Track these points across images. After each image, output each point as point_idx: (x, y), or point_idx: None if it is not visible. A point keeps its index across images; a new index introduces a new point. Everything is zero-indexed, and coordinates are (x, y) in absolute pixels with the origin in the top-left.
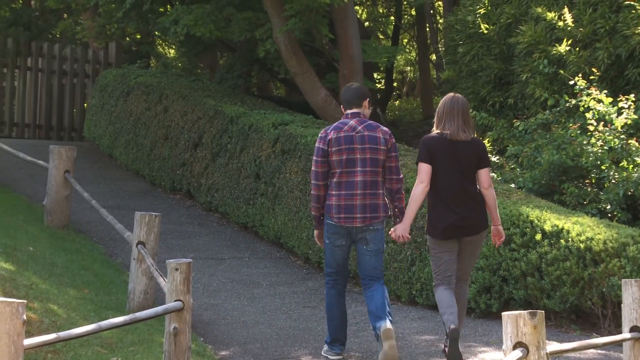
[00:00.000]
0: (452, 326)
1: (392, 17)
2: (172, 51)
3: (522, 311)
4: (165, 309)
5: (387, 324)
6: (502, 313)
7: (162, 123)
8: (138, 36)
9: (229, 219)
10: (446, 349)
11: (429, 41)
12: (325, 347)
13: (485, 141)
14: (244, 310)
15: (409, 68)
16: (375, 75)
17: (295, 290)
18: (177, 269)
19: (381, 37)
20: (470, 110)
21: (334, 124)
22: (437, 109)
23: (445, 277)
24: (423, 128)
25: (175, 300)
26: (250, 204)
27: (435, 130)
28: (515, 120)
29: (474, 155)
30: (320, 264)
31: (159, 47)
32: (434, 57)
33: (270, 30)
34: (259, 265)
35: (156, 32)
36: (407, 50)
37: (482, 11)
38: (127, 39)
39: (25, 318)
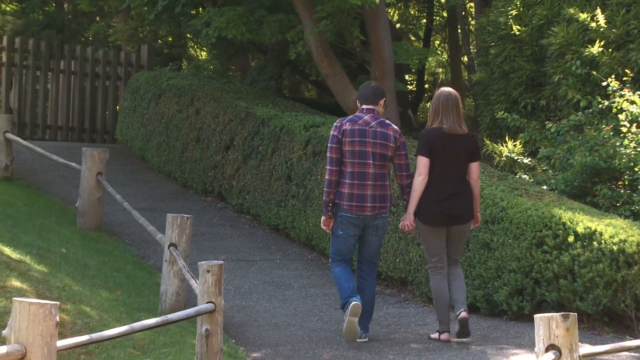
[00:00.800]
0: (446, 332)
1: (424, 19)
2: (203, 53)
3: (555, 313)
4: (197, 311)
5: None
6: (535, 315)
7: (194, 125)
8: (170, 39)
9: (260, 221)
10: (440, 336)
11: (460, 43)
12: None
13: (517, 143)
14: (276, 312)
15: (440, 70)
16: (406, 77)
17: (327, 292)
18: (208, 271)
19: (413, 38)
20: (502, 112)
21: (350, 116)
22: (432, 104)
23: (438, 264)
24: None
25: (207, 302)
26: (282, 206)
27: (432, 124)
28: (547, 122)
29: (469, 148)
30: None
31: (190, 49)
32: (465, 58)
33: (301, 32)
34: (291, 267)
35: (188, 35)
36: (439, 52)
37: (514, 12)
38: (159, 41)
39: (58, 320)
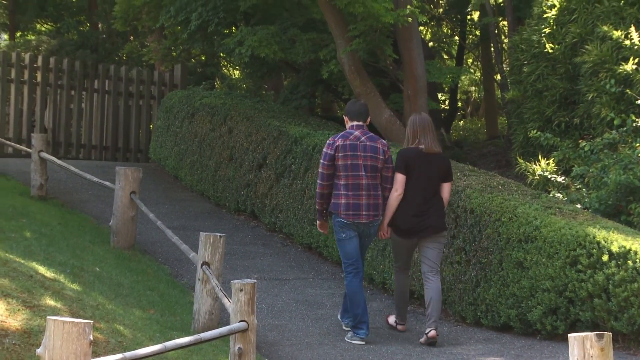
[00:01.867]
0: (402, 326)
1: (457, 37)
2: (236, 72)
3: (589, 333)
4: (229, 330)
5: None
6: (569, 335)
7: (227, 144)
8: (203, 58)
9: (293, 240)
10: (398, 326)
11: (493, 61)
12: (350, 334)
13: (551, 161)
14: (308, 331)
15: (473, 88)
16: (439, 95)
17: None
18: (241, 290)
19: (445, 57)
20: (535, 131)
21: (341, 133)
22: (409, 127)
23: (404, 267)
24: (488, 148)
25: (240, 321)
26: (314, 225)
27: (410, 145)
28: (581, 141)
29: (443, 167)
30: (385, 284)
31: (223, 68)
32: (498, 76)
33: (334, 51)
34: (323, 286)
35: (221, 54)
36: (472, 70)
37: (547, 30)
38: (193, 60)
39: (92, 338)
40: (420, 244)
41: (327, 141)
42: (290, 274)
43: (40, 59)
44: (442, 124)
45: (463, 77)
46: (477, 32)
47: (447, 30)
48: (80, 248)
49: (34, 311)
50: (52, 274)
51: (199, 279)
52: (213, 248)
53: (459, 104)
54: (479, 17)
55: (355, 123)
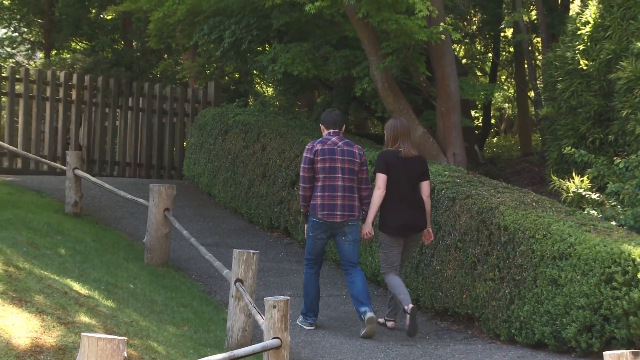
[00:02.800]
0: (410, 305)
1: (490, 54)
2: (270, 90)
3: (624, 350)
4: (263, 347)
5: (370, 313)
6: (604, 352)
7: (260, 161)
8: (236, 75)
9: (326, 257)
10: (387, 323)
11: (527, 78)
12: (301, 318)
13: (585, 178)
14: (342, 348)
15: (507, 105)
16: (472, 112)
17: (394, 328)
18: (274, 307)
19: (479, 74)
20: (570, 148)
21: (319, 139)
22: (388, 131)
23: (393, 267)
24: (521, 165)
25: (273, 338)
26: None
27: (389, 147)
28: (615, 157)
29: (420, 169)
30: (418, 301)
31: (257, 85)
32: (532, 93)
33: (367, 68)
34: None
35: (254, 71)
36: (505, 87)
37: (581, 47)
38: (226, 78)
39: (126, 355)
40: (405, 241)
41: (307, 146)
42: (323, 291)
43: (75, 77)
44: (475, 140)
45: (496, 94)
46: (511, 49)
47: (481, 47)
48: (115, 265)
49: (69, 328)
50: (87, 291)
51: (232, 296)
52: (246, 265)
53: (493, 120)
54: (513, 34)
55: (331, 130)
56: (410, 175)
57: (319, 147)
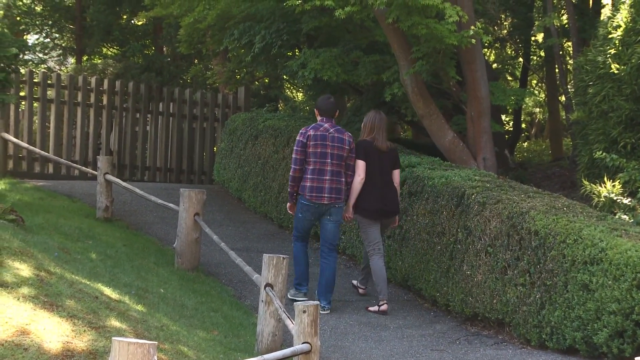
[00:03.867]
0: (385, 305)
1: (521, 59)
2: (300, 94)
3: None
4: (293, 351)
5: (323, 312)
6: (636, 358)
7: (290, 166)
8: (266, 80)
9: (355, 261)
10: (359, 289)
11: (558, 82)
12: (293, 291)
13: (616, 183)
14: (371, 353)
15: (537, 109)
16: (503, 117)
17: (423, 333)
18: (304, 311)
19: (509, 78)
20: (601, 152)
21: (312, 125)
22: (367, 121)
23: (377, 246)
24: (552, 169)
25: (303, 343)
26: None
27: (365, 137)
28: None
29: (392, 159)
30: (448, 306)
31: (287, 90)
32: (563, 98)
33: (397, 73)
34: None
35: (284, 76)
36: (536, 92)
37: (612, 51)
38: (256, 83)
39: (156, 359)
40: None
41: (300, 131)
42: (354, 296)
43: (106, 82)
44: (506, 145)
45: (527, 99)
46: (542, 53)
47: (511, 52)
48: (145, 269)
49: (100, 332)
50: (117, 295)
51: (262, 301)
52: (276, 269)
53: (523, 125)
54: (543, 38)
55: (325, 117)
56: (384, 164)
57: (311, 132)
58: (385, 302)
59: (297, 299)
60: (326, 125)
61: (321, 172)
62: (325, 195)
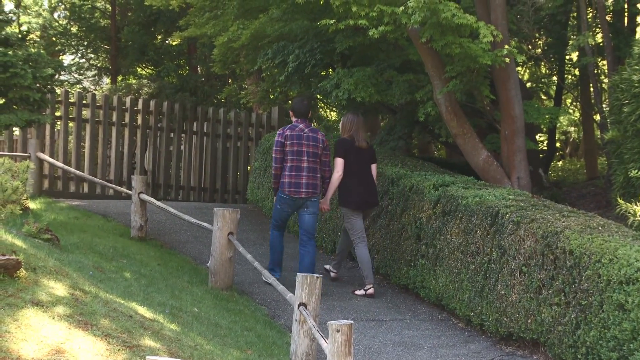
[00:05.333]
0: (371, 289)
1: (555, 78)
2: (333, 114)
3: None
4: None
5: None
6: None
7: None
8: None
9: (389, 281)
10: (331, 273)
11: (592, 101)
12: (266, 273)
13: None
14: None
15: (572, 128)
16: (537, 135)
17: (457, 352)
18: (338, 331)
19: (543, 97)
20: (636, 171)
21: (289, 125)
22: (347, 123)
23: (361, 235)
24: (587, 189)
25: None
26: (411, 266)
27: (345, 135)
28: None
29: (370, 156)
30: (483, 326)
31: (320, 109)
32: (598, 117)
33: (430, 92)
34: (421, 327)
35: (318, 95)
36: (571, 111)
37: None
38: (290, 102)
39: None
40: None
41: (278, 131)
42: (387, 315)
43: (140, 102)
44: (540, 164)
45: (562, 118)
46: (576, 72)
47: (546, 71)
48: (179, 288)
49: (134, 351)
50: (152, 314)
51: (296, 320)
52: (310, 289)
53: (558, 144)
54: (578, 57)
55: (299, 118)
56: (364, 160)
57: (288, 132)
58: (371, 286)
59: (269, 281)
60: (301, 125)
61: (298, 168)
62: (303, 190)
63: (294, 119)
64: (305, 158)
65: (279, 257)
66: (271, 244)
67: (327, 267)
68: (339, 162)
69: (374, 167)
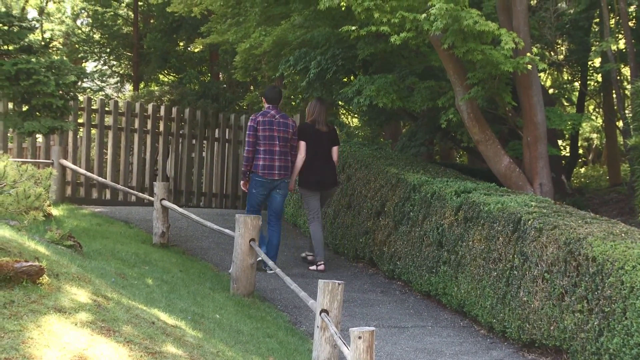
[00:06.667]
0: (322, 266)
1: (578, 84)
2: (354, 120)
3: None
4: None
5: (270, 271)
6: None
7: (345, 192)
8: None
9: (411, 287)
10: (307, 257)
11: (615, 107)
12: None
13: None
14: None
15: (595, 135)
16: (560, 142)
17: (479, 359)
18: (360, 337)
19: (566, 103)
20: None
21: (261, 112)
22: (311, 107)
23: (316, 215)
24: (610, 195)
25: None
26: (433, 272)
27: (308, 120)
28: None
29: (331, 139)
30: (505, 333)
31: (342, 116)
32: (620, 123)
33: (452, 99)
34: (442, 334)
35: (339, 102)
36: (593, 117)
37: None
38: None
39: None
40: (320, 194)
41: (251, 117)
42: (409, 322)
43: (162, 108)
44: (562, 171)
45: (584, 124)
46: (599, 78)
47: (568, 77)
48: (201, 295)
49: (156, 357)
50: (174, 321)
51: (317, 326)
52: (332, 295)
53: (580, 150)
54: (601, 63)
55: (271, 105)
56: (324, 143)
57: (260, 118)
58: (322, 263)
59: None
60: (272, 112)
61: (271, 152)
62: (276, 172)
63: (265, 105)
64: (277, 142)
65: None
66: None
67: (304, 254)
68: (302, 145)
69: (335, 149)
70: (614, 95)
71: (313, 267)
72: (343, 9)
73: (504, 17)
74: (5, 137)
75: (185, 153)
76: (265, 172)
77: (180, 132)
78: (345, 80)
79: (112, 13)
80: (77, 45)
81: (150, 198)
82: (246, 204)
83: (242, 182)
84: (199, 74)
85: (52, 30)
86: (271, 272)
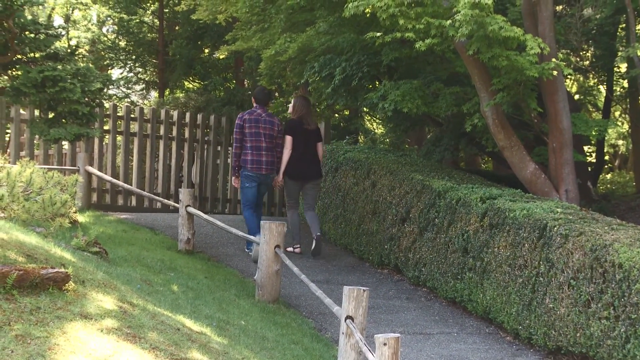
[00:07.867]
0: (298, 249)
1: (603, 89)
2: (379, 127)
3: None
4: None
5: (251, 252)
6: None
7: (370, 198)
8: (346, 113)
9: (436, 294)
10: (295, 249)
11: None
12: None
13: None
14: None
15: (621, 141)
16: (585, 148)
17: None
18: (385, 344)
19: (592, 109)
20: None
21: (249, 110)
22: (296, 104)
23: (295, 203)
24: (636, 201)
25: None
26: (458, 279)
27: (294, 117)
28: None
29: (315, 135)
30: (531, 340)
31: (367, 122)
32: None
33: (477, 105)
34: (468, 341)
35: (364, 108)
36: (619, 123)
37: None
38: (336, 115)
39: None
40: (304, 186)
41: (238, 115)
42: (435, 328)
43: (188, 115)
44: (588, 177)
45: (610, 130)
46: (625, 84)
47: (594, 82)
48: (226, 301)
49: None
50: (199, 327)
51: (342, 333)
52: (357, 302)
53: (606, 157)
54: (627, 69)
55: (259, 105)
56: (309, 139)
57: (247, 116)
58: (299, 246)
59: (251, 253)
60: (259, 110)
61: (258, 148)
62: (263, 167)
63: (254, 105)
64: (263, 139)
65: (255, 225)
66: (247, 220)
67: (290, 249)
68: (288, 140)
69: (319, 145)
70: None
71: (290, 249)
72: (368, 15)
73: (530, 22)
74: (32, 144)
75: (211, 160)
76: (253, 166)
77: (206, 138)
78: (370, 87)
79: (137, 20)
80: (102, 53)
81: (176, 205)
82: (241, 201)
83: (233, 179)
84: (224, 80)
85: (78, 37)
86: (248, 251)
